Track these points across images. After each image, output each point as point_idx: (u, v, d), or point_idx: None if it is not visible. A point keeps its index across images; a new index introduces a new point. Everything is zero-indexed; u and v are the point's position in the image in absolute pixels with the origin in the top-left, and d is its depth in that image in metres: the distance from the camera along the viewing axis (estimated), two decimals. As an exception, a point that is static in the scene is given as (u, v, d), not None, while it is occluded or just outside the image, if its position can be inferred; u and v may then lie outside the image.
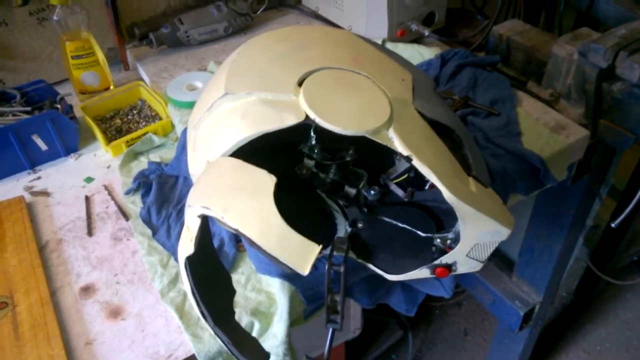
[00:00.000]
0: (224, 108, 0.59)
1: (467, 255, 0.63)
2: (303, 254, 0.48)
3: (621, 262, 1.82)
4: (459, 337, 1.91)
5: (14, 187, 0.91)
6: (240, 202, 0.51)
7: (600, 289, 1.95)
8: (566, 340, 1.87)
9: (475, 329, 1.93)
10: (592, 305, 1.95)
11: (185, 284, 0.58)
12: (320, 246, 0.48)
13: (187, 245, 0.55)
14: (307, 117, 0.56)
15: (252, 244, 0.48)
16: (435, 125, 0.62)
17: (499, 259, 1.45)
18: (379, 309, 0.91)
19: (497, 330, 1.57)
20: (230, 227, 0.50)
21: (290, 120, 0.55)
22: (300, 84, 0.59)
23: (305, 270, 0.48)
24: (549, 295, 1.36)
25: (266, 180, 0.51)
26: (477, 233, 0.60)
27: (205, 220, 0.56)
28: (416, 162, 0.56)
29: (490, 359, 1.66)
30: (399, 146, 0.56)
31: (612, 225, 1.02)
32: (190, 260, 0.56)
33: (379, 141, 0.56)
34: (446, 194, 0.55)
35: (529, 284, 1.36)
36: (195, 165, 0.63)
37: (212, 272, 0.62)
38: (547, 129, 0.93)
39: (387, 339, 1.83)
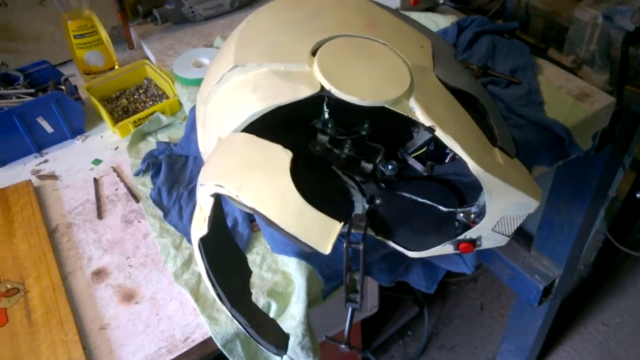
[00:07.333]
0: (234, 81, 0.56)
1: (492, 230, 0.60)
2: (324, 232, 0.45)
3: (641, 234, 1.78)
4: (476, 312, 1.89)
5: (21, 171, 0.89)
6: (256, 179, 0.48)
7: (619, 260, 1.92)
8: (585, 313, 1.84)
9: (491, 304, 1.91)
10: (610, 278, 1.92)
11: (200, 266, 0.55)
12: (342, 223, 0.46)
13: (200, 226, 0.53)
14: (322, 88, 0.53)
15: (270, 222, 0.46)
16: (458, 94, 0.59)
17: (517, 233, 1.41)
18: (395, 286, 0.89)
19: (515, 304, 1.55)
20: (246, 206, 0.47)
21: (304, 91, 0.52)
22: (313, 53, 0.56)
23: (327, 249, 0.45)
24: (569, 268, 1.33)
25: (282, 156, 0.48)
26: (504, 206, 0.57)
27: (219, 199, 0.54)
28: (439, 133, 0.52)
29: (509, 334, 1.64)
30: (421, 116, 0.53)
31: (638, 195, 0.98)
32: (204, 241, 0.54)
33: (399, 112, 0.53)
34: (472, 166, 0.52)
35: (549, 257, 1.33)
36: (205, 142, 0.60)
37: (227, 252, 0.59)
38: (570, 97, 0.89)
39: (402, 315, 1.81)
